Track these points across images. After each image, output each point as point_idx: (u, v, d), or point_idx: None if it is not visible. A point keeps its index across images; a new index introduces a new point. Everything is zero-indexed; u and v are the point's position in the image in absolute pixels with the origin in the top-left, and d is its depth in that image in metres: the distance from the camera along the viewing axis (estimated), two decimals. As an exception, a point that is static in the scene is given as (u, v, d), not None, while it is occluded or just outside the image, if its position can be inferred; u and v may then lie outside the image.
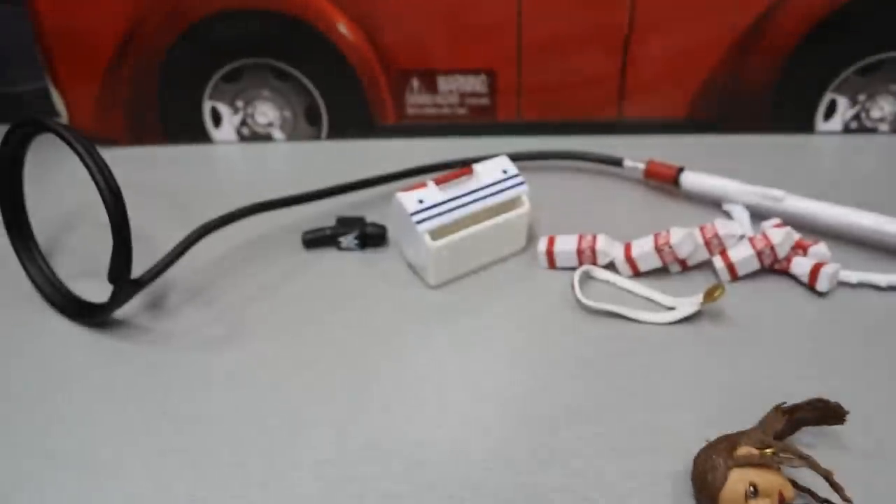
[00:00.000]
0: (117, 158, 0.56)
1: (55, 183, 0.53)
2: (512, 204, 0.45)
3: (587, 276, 0.44)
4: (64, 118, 0.58)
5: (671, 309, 0.41)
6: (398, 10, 0.52)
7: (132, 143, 0.57)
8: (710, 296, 0.39)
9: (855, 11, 0.51)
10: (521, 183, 0.44)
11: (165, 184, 0.53)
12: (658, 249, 0.43)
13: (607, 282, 0.44)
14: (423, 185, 0.43)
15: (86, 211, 0.51)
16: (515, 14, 0.52)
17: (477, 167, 0.44)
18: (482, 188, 0.44)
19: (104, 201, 0.37)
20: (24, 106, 0.62)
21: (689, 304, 0.41)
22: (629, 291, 0.43)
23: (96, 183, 0.37)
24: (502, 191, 0.44)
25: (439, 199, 0.43)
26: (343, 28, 0.53)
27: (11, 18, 0.58)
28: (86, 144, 0.37)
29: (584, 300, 0.41)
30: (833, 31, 0.52)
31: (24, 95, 0.61)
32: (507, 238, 0.45)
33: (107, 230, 0.49)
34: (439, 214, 0.42)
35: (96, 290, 0.44)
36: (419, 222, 0.42)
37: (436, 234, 0.43)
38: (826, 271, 0.41)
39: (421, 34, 0.53)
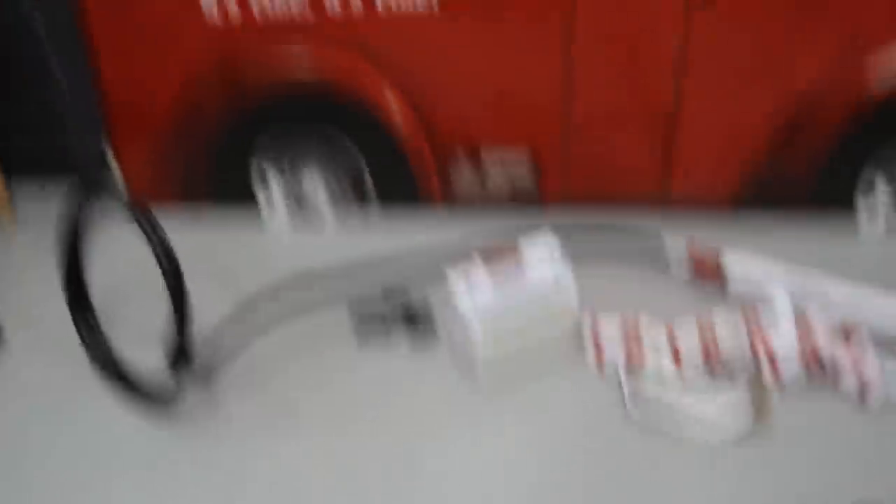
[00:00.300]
0: (169, 221, 0.57)
1: (108, 249, 0.55)
2: (559, 290, 0.45)
3: (635, 392, 0.45)
4: (118, 178, 0.60)
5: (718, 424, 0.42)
6: (447, 88, 0.54)
7: (181, 202, 0.59)
8: (760, 414, 0.41)
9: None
10: (568, 269, 0.46)
11: (215, 248, 0.55)
12: (706, 361, 0.44)
13: (657, 399, 0.44)
14: (475, 270, 0.44)
15: (139, 277, 0.53)
16: (560, 96, 0.53)
17: (525, 251, 0.46)
18: (532, 283, 0.45)
19: (169, 288, 0.40)
20: (82, 165, 0.64)
21: (736, 416, 0.42)
22: (677, 409, 0.43)
23: (161, 266, 0.39)
24: (550, 283, 0.45)
25: (491, 297, 0.43)
26: (392, 102, 0.55)
27: (81, 86, 0.60)
28: (153, 223, 0.40)
29: (635, 416, 0.42)
30: (876, 123, 0.53)
31: (83, 155, 0.63)
32: (553, 323, 0.46)
33: (161, 298, 0.50)
34: (493, 317, 0.43)
35: (150, 359, 0.46)
36: (472, 323, 0.43)
37: (487, 334, 0.44)
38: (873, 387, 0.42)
39: (469, 112, 0.55)
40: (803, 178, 0.56)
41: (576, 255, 0.51)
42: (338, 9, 0.51)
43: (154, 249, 0.39)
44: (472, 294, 0.44)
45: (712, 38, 0.51)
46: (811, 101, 0.53)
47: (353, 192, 0.58)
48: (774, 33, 0.51)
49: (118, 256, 0.54)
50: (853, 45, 0.51)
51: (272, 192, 0.59)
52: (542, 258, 0.46)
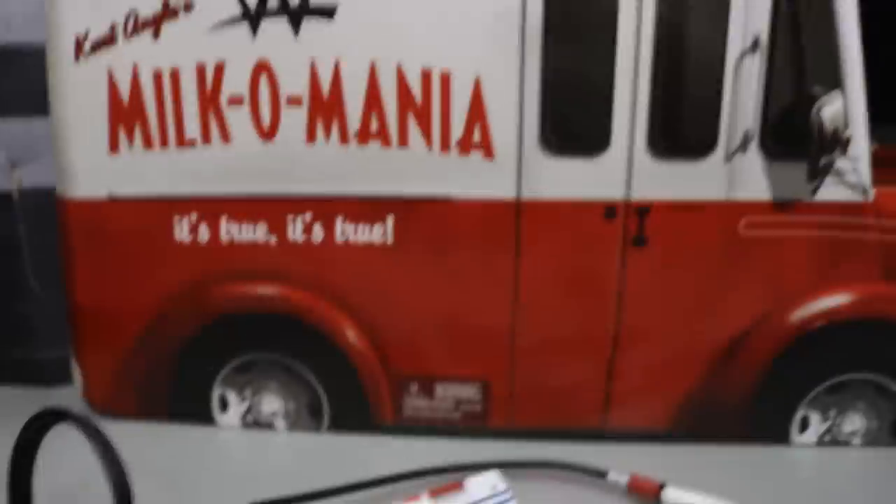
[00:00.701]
0: (123, 432, 0.58)
1: (60, 456, 0.56)
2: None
3: None
4: (78, 387, 0.61)
5: None
6: (401, 320, 0.57)
7: (139, 419, 0.60)
8: None
9: (823, 336, 0.55)
10: (510, 500, 0.47)
11: (167, 464, 0.55)
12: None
13: None
14: (418, 498, 0.45)
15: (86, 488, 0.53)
16: (509, 326, 0.56)
17: (468, 483, 0.47)
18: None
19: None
20: (42, 371, 0.66)
21: None
22: None
23: (110, 481, 0.39)
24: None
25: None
26: (349, 334, 0.57)
27: (48, 294, 0.63)
28: (105, 442, 0.40)
29: None
30: (803, 352, 0.56)
31: (43, 363, 0.65)
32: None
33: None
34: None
35: None
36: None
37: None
38: None
39: (421, 344, 0.58)
40: (738, 410, 0.58)
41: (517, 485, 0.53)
42: (300, 236, 0.56)
43: (105, 468, 0.40)
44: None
45: (647, 276, 0.55)
46: (741, 338, 0.56)
47: (310, 418, 0.60)
48: (705, 276, 0.55)
49: (66, 467, 0.53)
50: (778, 298, 0.56)
51: (231, 416, 0.60)
52: (485, 490, 0.47)
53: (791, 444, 0.58)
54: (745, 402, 0.57)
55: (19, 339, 0.65)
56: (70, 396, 0.62)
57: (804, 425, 0.58)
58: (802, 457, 0.58)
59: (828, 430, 0.58)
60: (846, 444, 0.58)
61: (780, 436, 0.58)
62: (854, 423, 0.58)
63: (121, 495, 0.40)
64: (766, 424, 0.58)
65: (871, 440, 0.58)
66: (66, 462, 0.54)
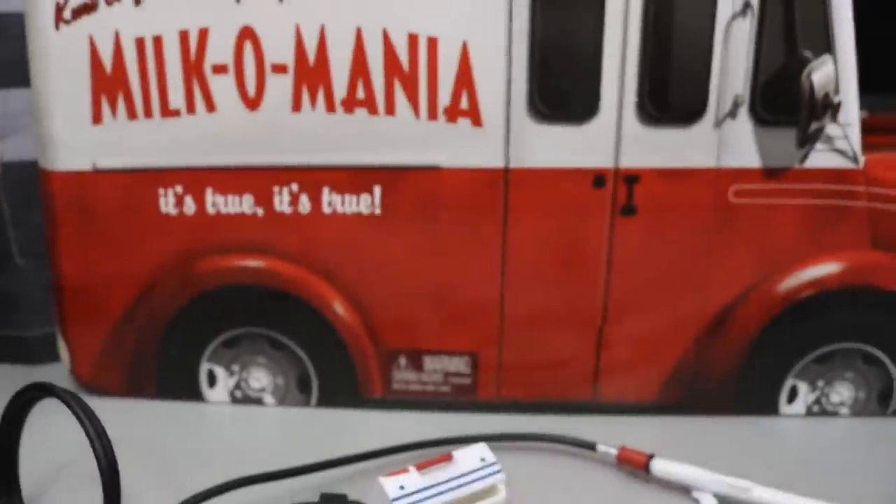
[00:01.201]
0: (110, 409, 0.58)
1: (46, 433, 0.55)
2: (489, 491, 0.46)
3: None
4: (65, 364, 0.60)
5: None
6: (389, 292, 0.57)
7: (126, 395, 0.60)
8: None
9: (811, 306, 0.56)
10: (498, 471, 0.47)
11: (154, 441, 0.55)
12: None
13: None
14: (406, 470, 0.45)
15: (72, 466, 0.53)
16: (497, 297, 0.56)
17: (456, 454, 0.47)
18: (461, 476, 0.46)
19: (102, 474, 0.39)
20: (28, 349, 0.65)
21: None
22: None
23: (96, 454, 0.39)
24: (480, 479, 0.46)
25: (420, 486, 0.44)
26: (338, 307, 0.57)
27: (33, 270, 0.63)
28: (90, 415, 0.40)
29: None
30: (792, 322, 0.56)
31: (30, 340, 0.65)
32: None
33: (92, 484, 0.50)
34: (419, 502, 0.44)
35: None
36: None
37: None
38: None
39: (410, 316, 0.57)
40: (726, 382, 0.58)
41: (505, 458, 0.53)
42: (287, 207, 0.55)
43: (92, 443, 0.40)
44: (403, 486, 0.44)
45: (637, 245, 0.55)
46: (729, 308, 0.56)
47: (298, 393, 0.60)
48: (694, 245, 0.55)
49: (53, 444, 0.53)
50: (768, 267, 0.56)
51: (219, 391, 0.60)
52: (474, 462, 0.46)
53: (779, 415, 0.59)
54: (733, 373, 0.57)
55: (4, 316, 0.64)
56: (57, 374, 0.61)
57: (792, 395, 0.58)
58: (790, 427, 0.58)
59: (816, 401, 0.58)
60: (834, 414, 0.58)
61: (768, 406, 0.58)
62: (842, 393, 0.58)
63: (108, 471, 0.40)
64: (755, 395, 0.58)
65: (858, 410, 0.58)
66: (52, 438, 0.54)
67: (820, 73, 0.50)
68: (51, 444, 0.55)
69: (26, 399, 0.44)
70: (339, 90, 0.53)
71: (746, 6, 0.51)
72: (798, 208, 0.55)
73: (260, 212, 0.56)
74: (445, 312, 0.57)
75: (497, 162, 0.54)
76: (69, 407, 0.41)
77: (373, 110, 0.53)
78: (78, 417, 0.41)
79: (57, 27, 0.53)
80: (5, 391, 0.45)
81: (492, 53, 0.52)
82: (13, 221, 0.62)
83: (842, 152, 0.53)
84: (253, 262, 0.57)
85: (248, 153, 0.55)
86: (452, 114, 0.53)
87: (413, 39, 0.52)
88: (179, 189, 0.55)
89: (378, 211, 0.56)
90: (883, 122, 0.55)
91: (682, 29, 0.51)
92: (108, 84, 0.54)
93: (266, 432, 0.58)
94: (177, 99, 0.54)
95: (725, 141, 0.53)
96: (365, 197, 0.55)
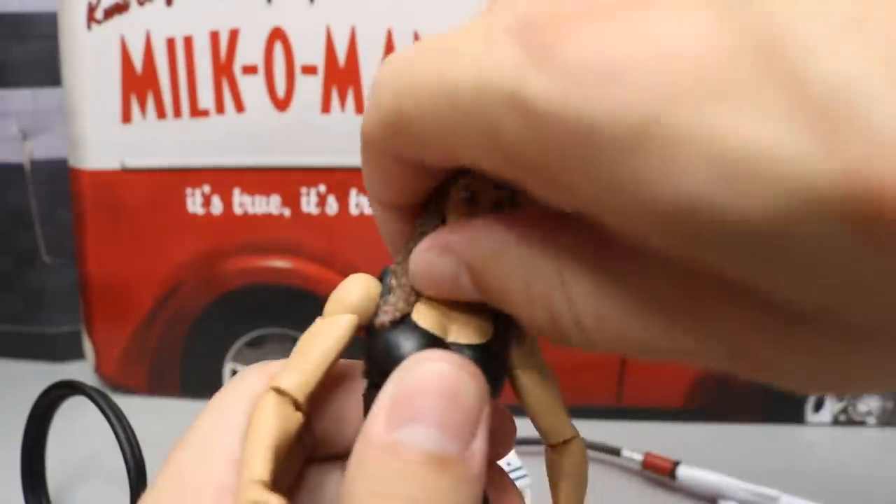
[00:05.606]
0: (134, 407, 0.58)
1: (73, 430, 0.56)
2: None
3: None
4: (90, 361, 0.61)
5: None
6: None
7: (150, 394, 0.60)
8: None
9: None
10: (524, 476, 0.46)
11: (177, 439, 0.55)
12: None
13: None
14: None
15: (99, 464, 0.53)
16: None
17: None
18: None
19: (129, 474, 0.40)
20: (53, 346, 0.66)
21: None
22: None
23: (123, 453, 0.40)
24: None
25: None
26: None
27: (59, 268, 0.63)
28: (119, 414, 0.41)
29: None
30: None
31: (55, 337, 0.65)
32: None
33: (118, 480, 0.50)
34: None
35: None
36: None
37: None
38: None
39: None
40: (752, 388, 0.57)
41: (530, 463, 0.53)
42: (314, 208, 0.55)
43: (119, 440, 0.40)
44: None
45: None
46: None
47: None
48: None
49: (79, 441, 0.54)
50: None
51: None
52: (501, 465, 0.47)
53: (806, 423, 0.58)
54: (760, 386, 0.57)
55: (31, 313, 0.65)
56: (82, 371, 0.62)
57: (819, 404, 0.58)
58: (817, 436, 0.57)
59: (843, 410, 0.58)
60: (861, 423, 0.58)
61: (794, 415, 0.58)
62: (869, 402, 0.57)
63: (135, 471, 0.40)
64: (781, 403, 0.58)
65: (885, 420, 0.58)
66: (79, 435, 0.54)
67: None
68: (77, 441, 0.55)
69: (55, 396, 0.45)
70: (369, 92, 0.54)
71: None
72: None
73: (287, 212, 0.56)
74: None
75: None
76: (98, 406, 0.41)
77: (401, 112, 0.54)
78: (106, 416, 0.41)
79: (89, 27, 0.53)
80: (31, 388, 0.46)
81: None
82: (41, 219, 0.63)
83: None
84: (279, 263, 0.57)
85: (277, 154, 0.55)
86: (480, 116, 0.53)
87: (443, 41, 0.52)
88: (207, 189, 0.56)
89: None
90: None
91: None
92: (138, 84, 0.54)
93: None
94: (206, 99, 0.54)
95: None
96: (392, 199, 0.56)
